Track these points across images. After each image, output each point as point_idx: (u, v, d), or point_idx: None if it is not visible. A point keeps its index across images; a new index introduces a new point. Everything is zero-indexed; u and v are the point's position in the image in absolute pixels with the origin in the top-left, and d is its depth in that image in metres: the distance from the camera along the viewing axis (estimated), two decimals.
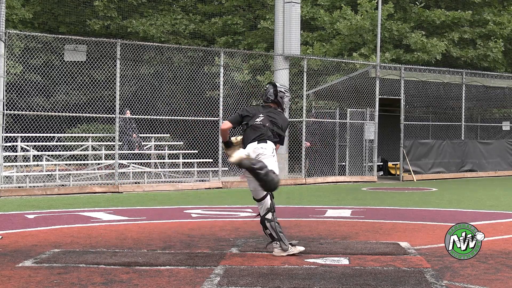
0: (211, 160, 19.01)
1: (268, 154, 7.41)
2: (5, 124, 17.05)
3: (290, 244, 7.42)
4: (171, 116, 20.63)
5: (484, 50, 27.98)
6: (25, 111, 18.24)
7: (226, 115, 18.92)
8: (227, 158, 7.64)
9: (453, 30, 27.97)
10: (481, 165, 23.93)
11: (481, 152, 23.96)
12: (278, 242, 7.38)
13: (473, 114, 27.75)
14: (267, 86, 7.93)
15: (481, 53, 28.02)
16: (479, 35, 28.42)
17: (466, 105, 23.90)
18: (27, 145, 18.96)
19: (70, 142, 21.35)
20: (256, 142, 7.48)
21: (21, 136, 19.34)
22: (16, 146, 19.25)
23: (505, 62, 29.29)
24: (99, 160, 19.44)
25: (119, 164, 17.55)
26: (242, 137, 7.68)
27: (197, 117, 19.04)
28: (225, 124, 7.60)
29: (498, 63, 28.56)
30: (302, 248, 7.48)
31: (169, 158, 20.66)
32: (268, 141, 7.49)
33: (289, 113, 20.84)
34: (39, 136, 19.73)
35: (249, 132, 7.58)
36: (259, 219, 7.47)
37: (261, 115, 7.64)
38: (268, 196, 7.41)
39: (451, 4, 28.87)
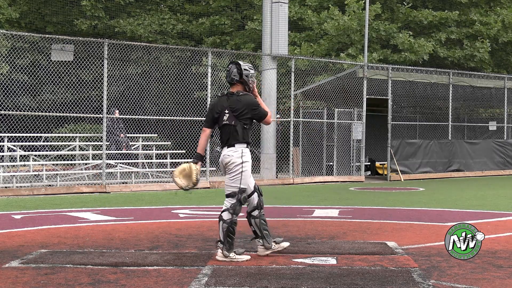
0: None
1: (236, 163, 7.15)
2: None
3: (274, 241, 7.40)
4: (158, 116, 20.59)
5: (471, 50, 28.11)
6: (12, 111, 18.15)
7: None
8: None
9: (440, 30, 28.08)
10: (468, 165, 24.00)
11: (468, 152, 24.04)
12: (261, 240, 7.36)
13: (460, 114, 27.86)
14: (230, 66, 7.34)
15: (468, 53, 28.15)
16: (466, 35, 28.56)
17: (453, 105, 24.00)
18: (14, 145, 18.85)
19: (57, 142, 21.22)
20: (226, 147, 7.24)
21: (7, 136, 19.22)
22: (3, 146, 19.14)
23: (492, 62, 29.44)
24: (86, 160, 19.36)
25: (107, 164, 17.49)
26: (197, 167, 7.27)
27: (184, 117, 19.01)
28: (205, 131, 7.36)
29: (485, 63, 28.70)
30: (286, 244, 7.48)
31: (157, 158, 20.62)
32: (236, 144, 7.19)
33: (277, 112, 20.87)
34: (26, 136, 19.62)
35: (220, 135, 7.34)
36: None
37: (226, 111, 7.25)
38: (256, 194, 7.35)
39: (438, 4, 28.99)
